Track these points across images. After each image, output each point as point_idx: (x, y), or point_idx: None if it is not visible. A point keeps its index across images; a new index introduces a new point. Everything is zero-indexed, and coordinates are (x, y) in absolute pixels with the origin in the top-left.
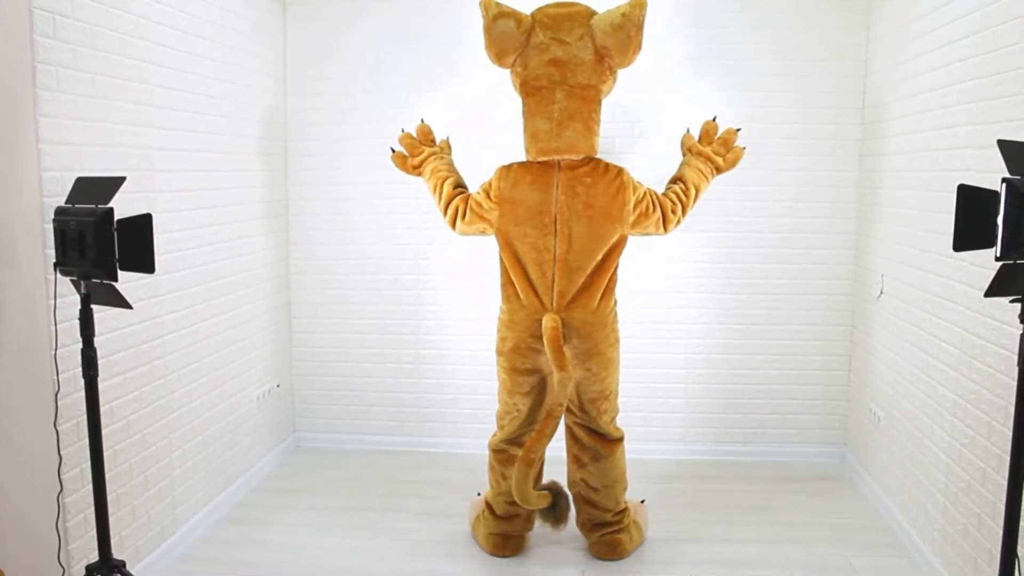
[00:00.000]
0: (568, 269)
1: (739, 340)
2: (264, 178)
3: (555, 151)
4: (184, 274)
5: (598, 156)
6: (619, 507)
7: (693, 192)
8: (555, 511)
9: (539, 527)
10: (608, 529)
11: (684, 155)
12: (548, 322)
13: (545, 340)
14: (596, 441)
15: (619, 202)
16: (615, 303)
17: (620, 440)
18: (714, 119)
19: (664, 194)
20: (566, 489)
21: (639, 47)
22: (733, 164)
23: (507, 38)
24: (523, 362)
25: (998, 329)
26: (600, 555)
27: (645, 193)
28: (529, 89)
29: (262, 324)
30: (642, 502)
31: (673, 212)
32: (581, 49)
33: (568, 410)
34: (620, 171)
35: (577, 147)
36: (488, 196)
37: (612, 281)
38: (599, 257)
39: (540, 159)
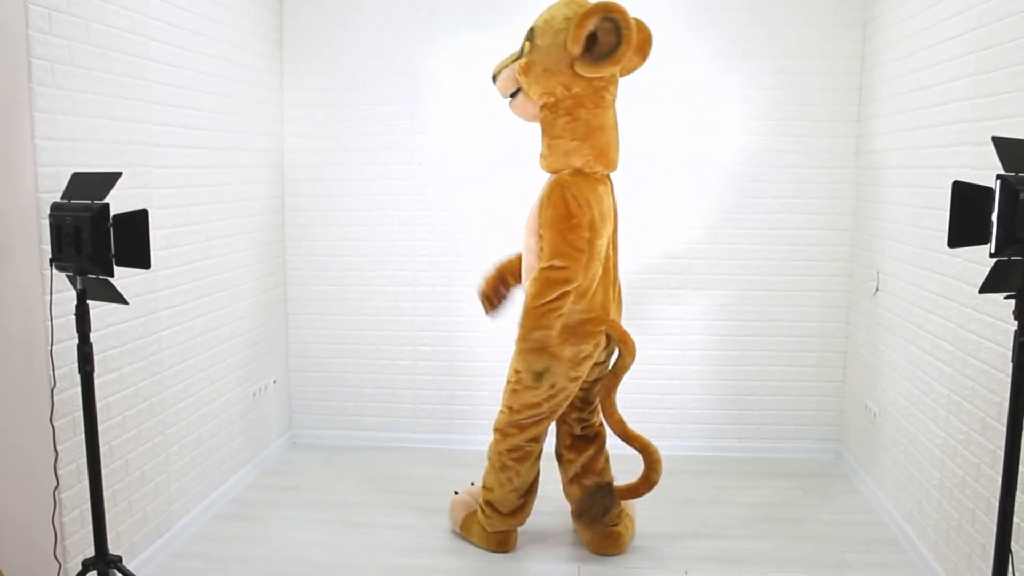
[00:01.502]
0: (615, 278)
1: (735, 336)
2: (260, 174)
3: (616, 164)
4: (180, 270)
5: None
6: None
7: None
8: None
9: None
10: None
11: None
12: (620, 329)
13: (627, 346)
14: (588, 428)
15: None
16: None
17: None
18: None
19: None
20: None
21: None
22: None
23: None
24: (589, 374)
25: (993, 325)
26: (600, 549)
27: None
28: (597, 100)
29: (258, 320)
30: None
31: None
32: None
33: (572, 406)
34: None
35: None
36: (584, 211)
37: None
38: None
39: (604, 172)
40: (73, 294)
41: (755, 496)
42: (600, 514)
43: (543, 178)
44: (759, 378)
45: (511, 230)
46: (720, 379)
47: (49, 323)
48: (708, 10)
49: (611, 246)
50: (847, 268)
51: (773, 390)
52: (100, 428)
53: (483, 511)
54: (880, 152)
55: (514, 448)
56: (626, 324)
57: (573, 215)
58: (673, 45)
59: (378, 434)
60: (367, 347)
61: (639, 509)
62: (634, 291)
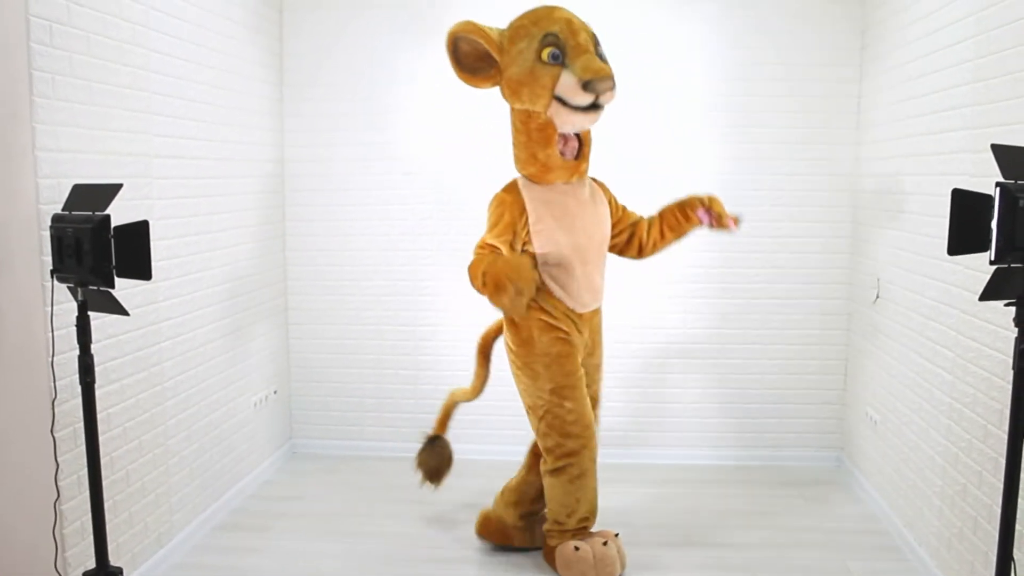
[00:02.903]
0: None
1: (736, 345)
2: (260, 184)
3: None
4: (181, 281)
5: (518, 174)
6: (552, 516)
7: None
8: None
9: None
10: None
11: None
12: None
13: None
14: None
15: None
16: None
17: (546, 468)
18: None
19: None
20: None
21: (460, 73)
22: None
23: None
24: None
25: (993, 333)
26: (546, 558)
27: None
28: None
29: (259, 330)
30: (616, 535)
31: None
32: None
33: None
34: (505, 187)
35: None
36: None
37: None
38: None
39: None
40: (74, 305)
41: (757, 504)
42: (430, 469)
43: None
44: (760, 386)
45: None
46: (721, 387)
47: (50, 334)
48: (707, 18)
49: None
50: (847, 276)
51: (774, 398)
52: (101, 439)
53: None
54: (879, 159)
55: None
56: (627, 333)
57: None
58: (672, 53)
59: (379, 444)
60: (368, 357)
61: (640, 519)
62: (634, 299)
